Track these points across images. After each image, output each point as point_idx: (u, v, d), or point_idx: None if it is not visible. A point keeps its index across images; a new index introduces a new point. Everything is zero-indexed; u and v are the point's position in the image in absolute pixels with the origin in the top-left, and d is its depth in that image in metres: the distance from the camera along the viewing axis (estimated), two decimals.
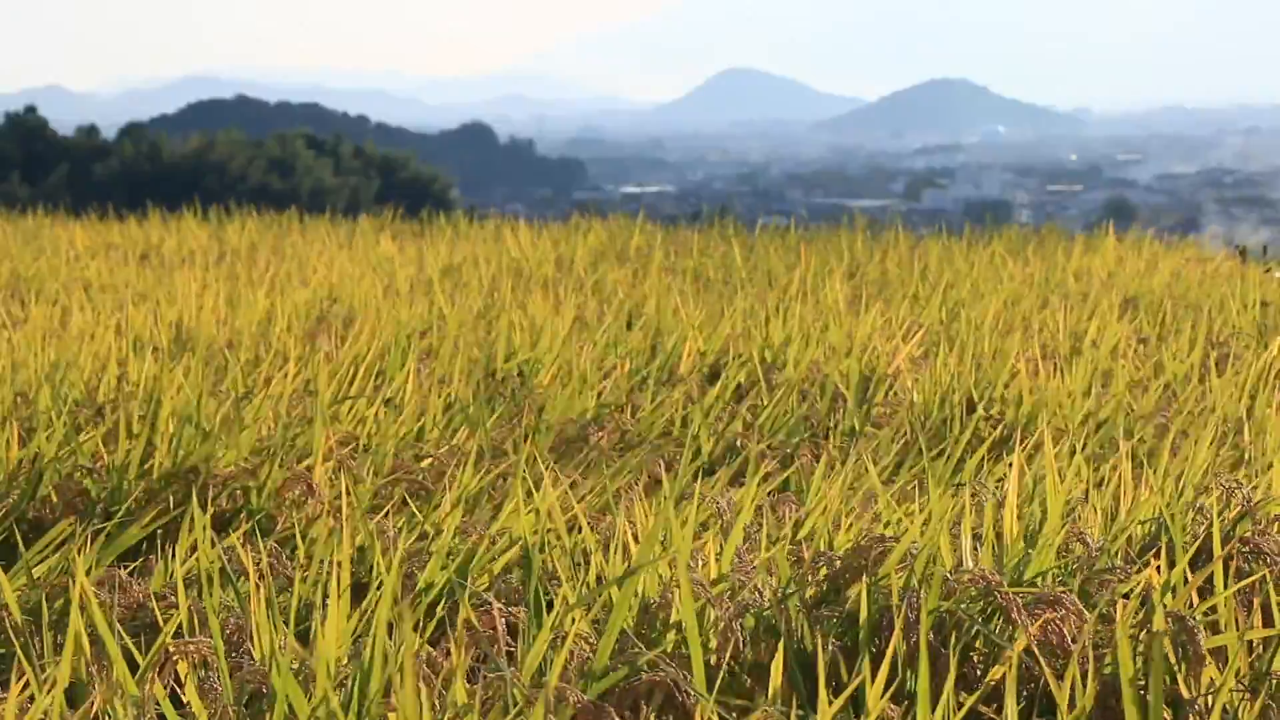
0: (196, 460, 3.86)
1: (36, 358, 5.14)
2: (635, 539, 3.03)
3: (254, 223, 12.55)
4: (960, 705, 2.58)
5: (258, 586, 2.59)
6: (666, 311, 6.59)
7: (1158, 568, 2.92)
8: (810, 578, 2.89)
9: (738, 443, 4.54)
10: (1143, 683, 2.58)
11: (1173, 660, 2.64)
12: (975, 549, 3.03)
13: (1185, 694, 2.60)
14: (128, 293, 7.52)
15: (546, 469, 3.60)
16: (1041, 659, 2.64)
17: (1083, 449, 4.18)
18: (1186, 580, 2.83)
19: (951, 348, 5.96)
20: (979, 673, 2.75)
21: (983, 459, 4.17)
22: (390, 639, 2.49)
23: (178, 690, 2.52)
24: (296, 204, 14.14)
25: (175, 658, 2.43)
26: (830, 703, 2.34)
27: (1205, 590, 2.95)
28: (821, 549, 3.03)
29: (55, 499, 3.74)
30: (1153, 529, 3.28)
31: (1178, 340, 6.22)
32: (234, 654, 2.65)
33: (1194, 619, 2.65)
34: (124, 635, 2.58)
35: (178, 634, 2.75)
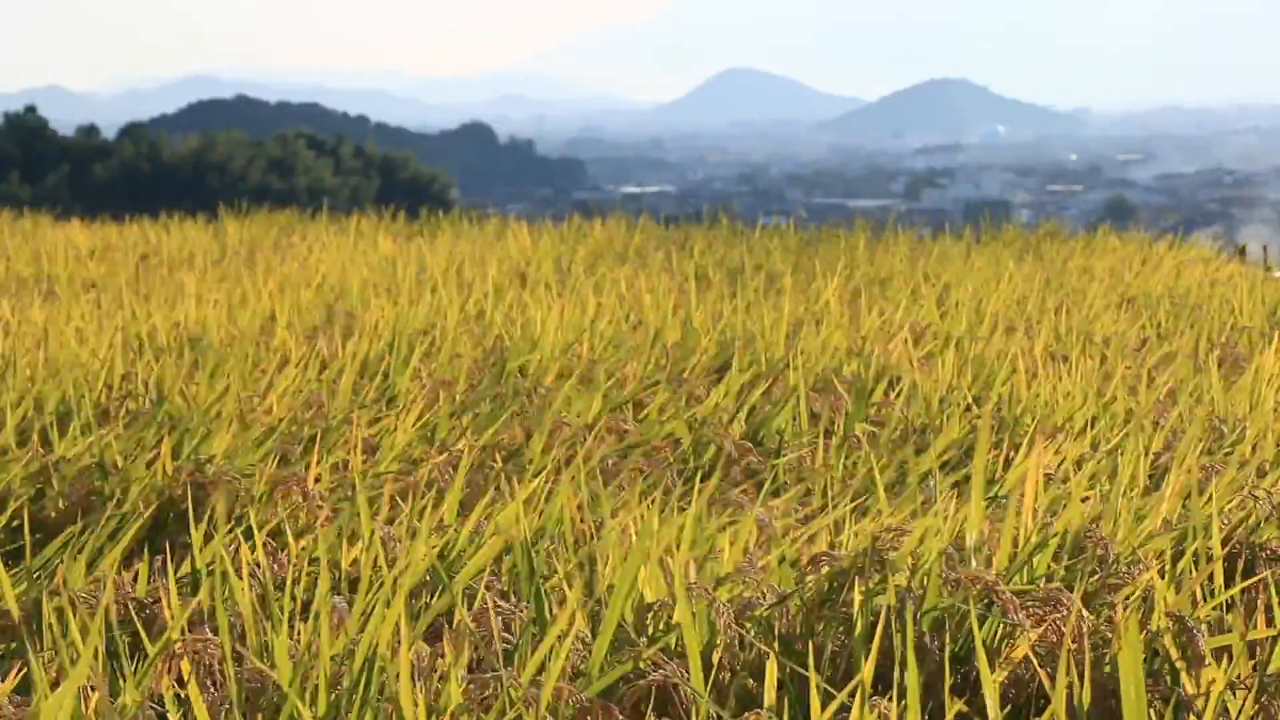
0: (199, 461, 3.87)
1: (39, 358, 5.14)
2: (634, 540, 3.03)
3: (254, 223, 12.54)
4: (949, 706, 2.58)
5: (253, 586, 2.59)
6: (668, 312, 6.59)
7: (1160, 570, 2.93)
8: (810, 579, 2.89)
9: (740, 444, 4.54)
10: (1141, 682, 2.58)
11: (1176, 660, 2.64)
12: (981, 550, 3.04)
13: (1187, 693, 2.60)
14: (129, 293, 7.52)
15: (546, 470, 3.60)
16: (1035, 660, 2.64)
17: (1083, 450, 4.18)
18: (1188, 580, 2.83)
19: (953, 348, 5.96)
20: (975, 673, 2.75)
21: (984, 459, 4.17)
22: (389, 637, 2.50)
23: (178, 689, 2.52)
24: (296, 204, 14.14)
25: (179, 656, 2.43)
26: (822, 708, 2.35)
27: (1210, 592, 2.95)
28: (823, 550, 3.03)
29: (61, 500, 3.74)
30: (1152, 529, 3.28)
31: (1179, 340, 6.22)
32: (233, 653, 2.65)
33: (1194, 620, 2.65)
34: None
35: (180, 633, 2.75)
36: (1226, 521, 3.23)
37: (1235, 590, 2.84)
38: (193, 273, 8.37)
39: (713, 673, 2.65)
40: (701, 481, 3.73)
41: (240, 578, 2.86)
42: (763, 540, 3.25)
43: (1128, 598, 2.83)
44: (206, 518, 3.38)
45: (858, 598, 2.72)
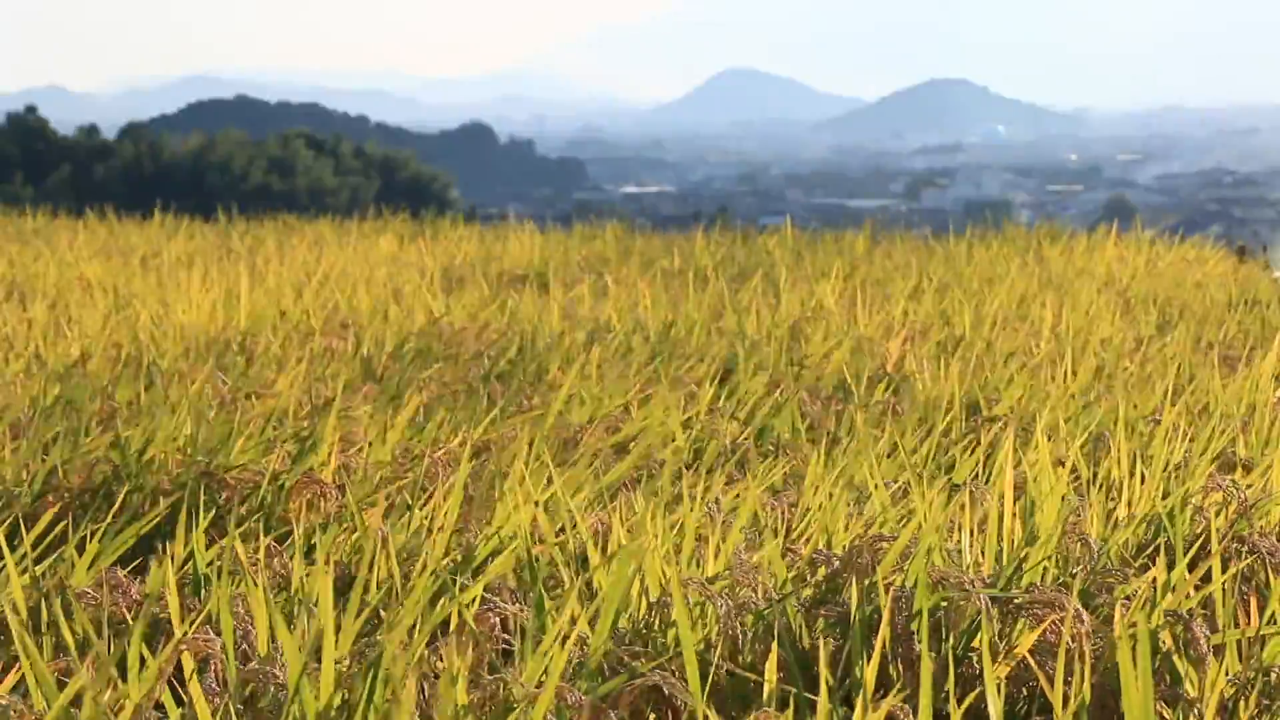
0: (200, 459, 3.87)
1: (39, 357, 5.15)
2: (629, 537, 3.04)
3: (255, 224, 12.56)
4: (957, 704, 2.59)
5: (257, 584, 2.60)
6: (667, 311, 6.60)
7: (1145, 566, 2.94)
8: (808, 577, 2.90)
9: (736, 441, 4.55)
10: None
11: (1176, 660, 2.65)
12: (972, 548, 3.04)
13: (1190, 693, 2.61)
14: (128, 293, 7.53)
15: (544, 468, 3.61)
16: (1033, 660, 2.65)
17: (1080, 448, 4.19)
18: (1184, 580, 2.84)
19: (951, 347, 5.97)
20: (977, 673, 2.76)
21: (981, 457, 4.18)
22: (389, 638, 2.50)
23: (178, 689, 2.52)
24: (296, 204, 14.15)
25: (180, 653, 2.43)
26: (829, 705, 2.35)
27: (1203, 589, 2.96)
28: (819, 548, 3.04)
29: (64, 496, 3.75)
30: (1151, 529, 3.30)
31: (1177, 340, 6.23)
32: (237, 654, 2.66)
33: (1195, 619, 2.65)
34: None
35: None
36: (1203, 516, 3.25)
37: (1224, 579, 2.85)
38: (194, 273, 8.37)
39: (719, 674, 2.66)
40: (692, 477, 3.73)
41: (252, 579, 2.87)
42: (754, 537, 3.25)
43: (1128, 596, 2.84)
44: (212, 515, 3.39)
45: (855, 598, 2.73)
